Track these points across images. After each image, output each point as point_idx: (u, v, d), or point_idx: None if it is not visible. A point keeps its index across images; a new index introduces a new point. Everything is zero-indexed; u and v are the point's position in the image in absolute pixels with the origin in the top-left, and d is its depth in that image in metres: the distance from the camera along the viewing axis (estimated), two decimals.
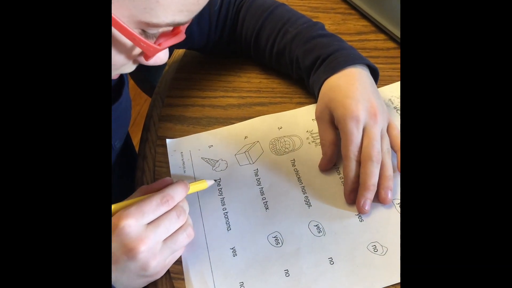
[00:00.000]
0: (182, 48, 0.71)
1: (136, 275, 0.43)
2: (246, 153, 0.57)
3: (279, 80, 0.65)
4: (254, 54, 0.65)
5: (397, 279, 0.43)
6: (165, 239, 0.44)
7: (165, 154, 0.58)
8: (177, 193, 0.45)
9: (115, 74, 0.43)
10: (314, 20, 0.61)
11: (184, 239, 0.45)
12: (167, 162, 0.57)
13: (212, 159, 0.56)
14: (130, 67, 0.43)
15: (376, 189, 0.48)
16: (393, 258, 0.44)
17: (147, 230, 0.42)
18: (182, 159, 0.57)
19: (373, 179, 0.48)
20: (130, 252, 0.41)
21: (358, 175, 0.49)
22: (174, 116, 0.62)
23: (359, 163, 0.49)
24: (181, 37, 0.41)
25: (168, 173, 0.56)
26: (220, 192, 0.53)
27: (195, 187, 0.49)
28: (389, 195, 0.48)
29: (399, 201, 0.49)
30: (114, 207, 0.43)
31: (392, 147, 0.51)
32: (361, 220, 0.48)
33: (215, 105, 0.63)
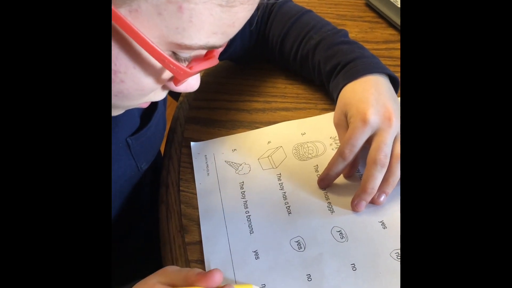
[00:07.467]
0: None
1: None
2: (269, 157, 0.57)
3: (304, 86, 0.65)
4: (279, 59, 0.66)
5: None
6: None
7: (190, 155, 0.59)
8: None
9: (144, 103, 0.42)
10: (341, 28, 0.62)
11: None
12: (192, 163, 0.58)
13: (235, 163, 0.57)
14: (159, 95, 0.41)
15: (375, 192, 0.48)
16: None
17: None
18: (206, 162, 0.58)
19: (373, 183, 0.48)
20: None
21: (338, 172, 0.51)
22: (200, 119, 0.63)
23: (345, 161, 0.50)
24: (214, 61, 0.39)
25: (192, 174, 0.56)
26: (243, 195, 0.53)
27: None
28: (382, 198, 0.49)
29: None
30: None
31: None
32: (385, 227, 0.47)
33: (241, 109, 0.63)
